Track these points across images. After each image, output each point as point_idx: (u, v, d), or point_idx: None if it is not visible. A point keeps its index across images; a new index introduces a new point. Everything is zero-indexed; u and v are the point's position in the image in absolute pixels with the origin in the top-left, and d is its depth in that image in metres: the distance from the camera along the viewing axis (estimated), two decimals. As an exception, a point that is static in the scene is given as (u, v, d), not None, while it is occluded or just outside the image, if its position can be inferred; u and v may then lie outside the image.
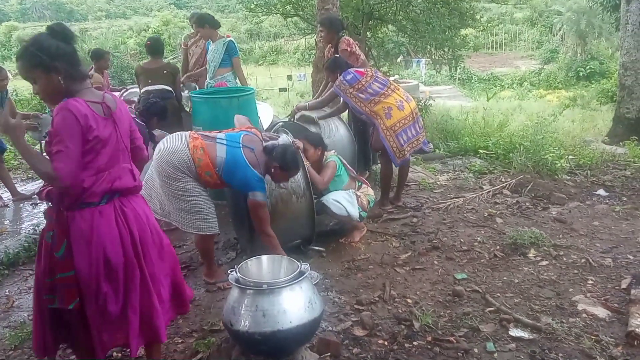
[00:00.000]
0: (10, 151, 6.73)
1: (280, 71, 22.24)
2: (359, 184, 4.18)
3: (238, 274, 2.54)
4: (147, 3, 53.68)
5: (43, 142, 5.47)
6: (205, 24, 5.49)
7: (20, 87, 11.35)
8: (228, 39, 5.47)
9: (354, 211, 3.88)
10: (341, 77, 4.43)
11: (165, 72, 5.48)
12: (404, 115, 4.40)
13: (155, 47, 5.66)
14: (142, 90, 5.47)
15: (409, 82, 15.79)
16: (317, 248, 3.87)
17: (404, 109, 4.40)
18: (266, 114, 5.92)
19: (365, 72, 4.44)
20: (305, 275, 2.53)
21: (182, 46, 6.60)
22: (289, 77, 18.30)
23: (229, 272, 2.61)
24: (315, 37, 8.04)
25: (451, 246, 3.89)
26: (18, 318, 3.26)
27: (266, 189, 3.29)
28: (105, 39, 17.32)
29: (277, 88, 16.99)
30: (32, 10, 47.11)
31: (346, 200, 3.88)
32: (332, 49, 5.11)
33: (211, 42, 5.61)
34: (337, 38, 5.03)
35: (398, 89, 4.53)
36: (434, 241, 3.98)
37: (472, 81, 21.28)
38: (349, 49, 4.91)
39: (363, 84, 4.36)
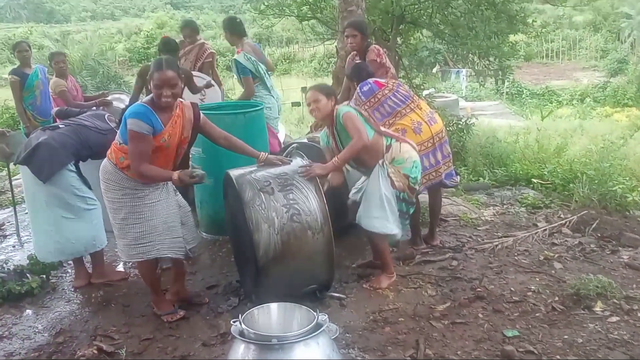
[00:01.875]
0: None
1: (294, 82, 22.47)
2: (387, 141, 3.98)
3: (242, 325, 2.54)
4: (139, 3, 55.14)
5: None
6: (225, 29, 5.60)
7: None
8: (236, 55, 5.56)
9: (393, 227, 3.91)
10: (358, 88, 4.51)
11: None
12: (421, 140, 4.36)
13: (168, 46, 5.79)
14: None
15: (446, 97, 15.87)
16: (336, 295, 3.87)
17: (421, 132, 4.38)
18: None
19: (384, 84, 4.50)
20: (322, 328, 2.52)
21: None
22: (304, 90, 18.53)
23: (231, 322, 2.61)
24: (335, 44, 8.14)
25: (499, 296, 3.86)
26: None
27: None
28: (90, 44, 17.64)
29: (290, 102, 17.17)
30: (6, 9, 48.72)
31: (381, 215, 3.88)
32: (357, 58, 5.19)
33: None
34: (365, 46, 5.12)
35: (420, 107, 4.51)
36: (478, 289, 3.95)
37: (523, 96, 21.32)
38: (378, 60, 4.97)
39: (379, 98, 4.41)
